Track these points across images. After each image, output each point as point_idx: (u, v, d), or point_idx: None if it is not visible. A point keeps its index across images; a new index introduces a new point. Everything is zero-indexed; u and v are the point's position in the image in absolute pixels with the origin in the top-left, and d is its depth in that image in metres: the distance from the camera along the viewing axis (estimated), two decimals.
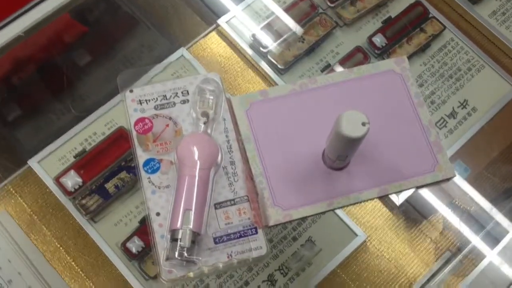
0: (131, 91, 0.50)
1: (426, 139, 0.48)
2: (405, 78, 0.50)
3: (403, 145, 0.48)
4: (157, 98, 0.49)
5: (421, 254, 0.69)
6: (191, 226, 0.43)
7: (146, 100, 0.49)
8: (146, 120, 0.49)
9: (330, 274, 0.66)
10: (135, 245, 0.64)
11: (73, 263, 0.66)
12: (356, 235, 0.67)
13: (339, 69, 0.75)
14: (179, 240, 0.43)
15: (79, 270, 0.66)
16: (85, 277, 0.66)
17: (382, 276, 0.68)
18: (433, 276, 0.68)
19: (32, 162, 0.68)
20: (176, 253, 0.43)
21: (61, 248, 0.67)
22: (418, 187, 0.49)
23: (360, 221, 0.69)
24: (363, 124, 0.39)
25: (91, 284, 0.65)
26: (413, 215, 0.70)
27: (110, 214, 0.66)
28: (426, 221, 0.70)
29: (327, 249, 0.67)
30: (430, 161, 0.48)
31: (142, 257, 0.64)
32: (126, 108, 0.49)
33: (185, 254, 0.43)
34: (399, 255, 0.69)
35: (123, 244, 0.64)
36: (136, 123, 0.48)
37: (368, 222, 0.69)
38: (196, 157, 0.46)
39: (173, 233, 0.44)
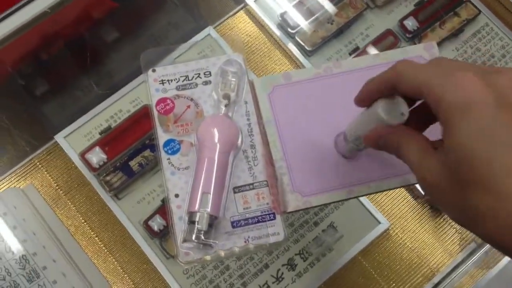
0: (153, 70, 0.49)
1: None
2: None
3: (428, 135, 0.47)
4: (179, 79, 0.49)
5: (445, 244, 0.68)
6: (208, 210, 0.43)
7: (168, 80, 0.49)
8: (168, 101, 0.48)
9: (351, 261, 0.66)
10: (157, 223, 0.65)
11: (96, 238, 0.67)
12: (379, 222, 0.66)
13: (371, 51, 0.73)
14: (196, 223, 0.43)
15: (102, 245, 0.67)
16: (107, 252, 0.67)
17: (404, 265, 0.67)
18: (457, 267, 0.66)
19: (59, 137, 0.69)
20: (193, 236, 0.43)
21: (85, 223, 0.68)
22: None
23: (383, 209, 0.68)
24: (402, 114, 0.37)
25: (113, 259, 0.66)
26: None
27: (134, 192, 0.67)
28: None
29: (349, 236, 0.66)
30: None
31: (164, 235, 0.64)
32: (148, 88, 0.49)
33: (202, 237, 0.43)
34: (422, 245, 0.68)
35: (145, 222, 0.65)
36: (157, 103, 0.48)
37: (391, 210, 0.68)
38: (216, 139, 0.45)
39: (191, 216, 0.44)
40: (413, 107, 0.39)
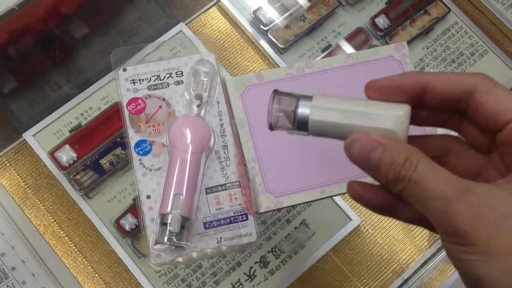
0: (124, 69, 0.49)
1: (423, 130, 0.48)
2: (404, 66, 0.49)
3: None
4: (150, 78, 0.48)
5: (415, 240, 0.69)
6: (180, 212, 0.43)
7: (139, 80, 0.48)
8: (139, 101, 0.48)
9: (323, 258, 0.66)
10: (128, 222, 0.64)
11: (66, 238, 0.66)
12: (350, 219, 0.67)
13: (344, 47, 0.73)
14: (168, 225, 0.43)
15: (72, 245, 0.66)
16: (78, 252, 0.66)
17: (374, 260, 0.68)
18: (426, 262, 0.68)
19: (27, 135, 0.67)
20: (165, 238, 0.43)
21: (54, 222, 0.66)
22: None
23: (354, 206, 0.68)
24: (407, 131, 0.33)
25: (83, 259, 0.65)
26: None
27: (105, 190, 0.66)
28: None
29: (321, 233, 0.66)
30: None
31: (135, 234, 0.64)
32: (119, 88, 0.48)
33: (174, 239, 0.43)
34: (393, 241, 0.69)
35: (117, 221, 0.64)
36: (128, 103, 0.48)
37: (362, 207, 0.69)
38: (188, 140, 0.45)
39: (163, 218, 0.43)
40: None
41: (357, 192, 0.35)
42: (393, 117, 0.31)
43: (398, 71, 0.49)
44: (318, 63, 0.49)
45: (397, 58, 0.49)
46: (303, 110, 0.33)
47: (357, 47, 0.74)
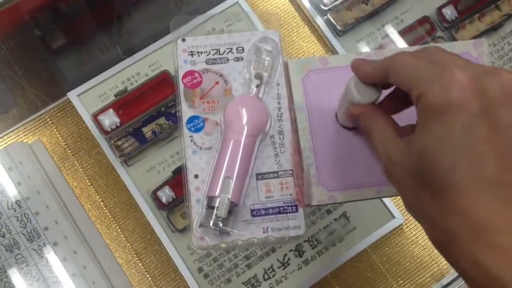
0: (183, 40, 0.46)
1: None
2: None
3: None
4: (209, 52, 0.46)
5: None
6: (229, 196, 0.41)
7: (198, 52, 0.46)
8: (196, 74, 0.45)
9: (360, 253, 0.64)
10: (165, 195, 0.63)
11: (101, 203, 0.65)
12: (394, 217, 0.64)
13: (398, 41, 0.69)
14: (215, 209, 0.41)
15: (106, 211, 0.65)
16: (112, 218, 0.65)
17: (414, 262, 0.65)
18: None
19: (72, 95, 0.66)
20: (211, 222, 0.41)
21: (91, 186, 0.65)
22: None
23: (399, 204, 0.65)
24: (374, 93, 0.38)
25: (117, 227, 0.64)
26: None
27: (144, 160, 0.65)
28: None
29: (361, 227, 0.64)
30: None
31: (172, 208, 0.62)
32: (176, 58, 0.46)
33: (220, 224, 0.41)
34: None
35: (154, 192, 0.63)
36: (184, 76, 0.45)
37: None
38: (244, 122, 0.42)
39: (210, 200, 0.41)
40: (390, 89, 0.38)
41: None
42: None
43: None
44: (389, 51, 0.46)
45: (474, 55, 0.45)
46: None
47: (419, 38, 0.70)
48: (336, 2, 0.70)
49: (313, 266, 0.63)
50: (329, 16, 0.70)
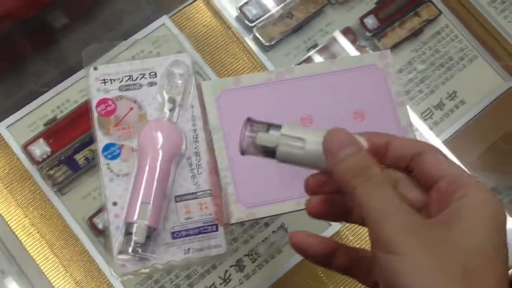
0: (95, 68, 0.47)
1: None
2: (387, 75, 0.47)
3: None
4: (122, 79, 0.46)
5: None
6: (147, 221, 0.41)
7: (111, 80, 0.46)
8: (109, 102, 0.46)
9: (300, 263, 0.65)
10: (102, 220, 0.62)
11: (37, 234, 0.64)
12: (330, 224, 0.66)
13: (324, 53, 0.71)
14: (133, 235, 0.41)
15: (43, 242, 0.64)
16: (49, 249, 0.64)
17: None
18: None
19: (1, 127, 0.65)
20: (130, 249, 0.41)
21: (26, 218, 0.65)
22: None
23: None
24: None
25: (54, 257, 0.64)
26: None
27: (79, 187, 0.64)
28: None
29: None
30: None
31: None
32: (89, 87, 0.46)
33: (139, 250, 0.41)
34: (369, 247, 0.67)
35: (90, 219, 0.62)
36: (98, 104, 0.46)
37: None
38: (158, 146, 0.43)
39: (128, 227, 0.42)
40: None
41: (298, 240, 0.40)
42: None
43: (381, 81, 0.47)
44: (299, 69, 0.47)
45: (380, 67, 0.47)
46: None
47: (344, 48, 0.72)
48: (262, 18, 0.72)
49: (254, 280, 0.64)
50: (255, 32, 0.71)
